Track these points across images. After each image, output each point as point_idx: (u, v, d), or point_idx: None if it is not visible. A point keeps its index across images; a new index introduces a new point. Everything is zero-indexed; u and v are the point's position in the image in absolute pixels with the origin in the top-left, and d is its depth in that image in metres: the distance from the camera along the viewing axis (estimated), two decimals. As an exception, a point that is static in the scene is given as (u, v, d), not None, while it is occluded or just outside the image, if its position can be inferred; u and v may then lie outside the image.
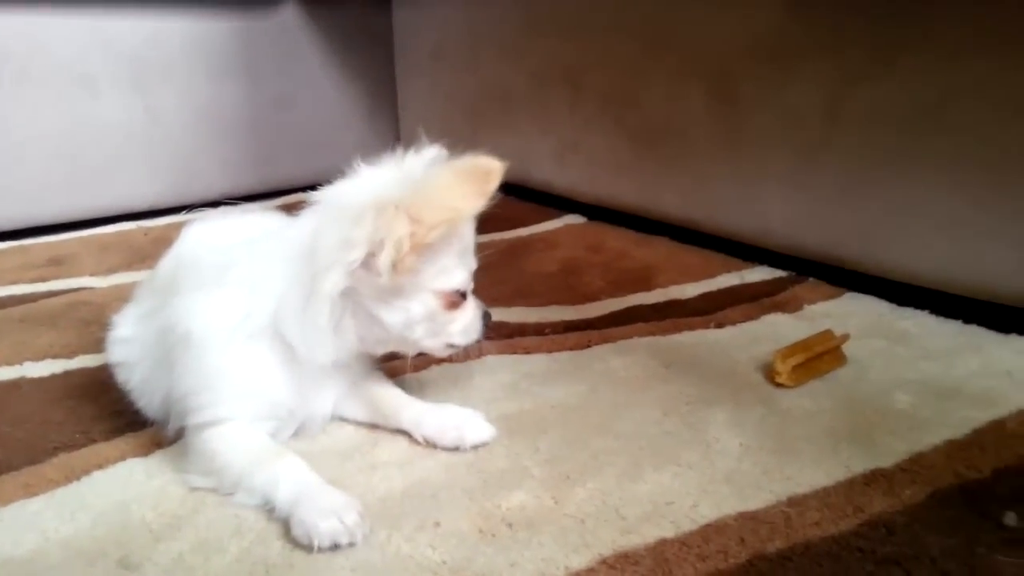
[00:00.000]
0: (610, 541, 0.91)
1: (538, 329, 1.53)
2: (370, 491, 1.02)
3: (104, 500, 1.03)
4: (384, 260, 0.98)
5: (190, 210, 2.45)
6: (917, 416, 1.15)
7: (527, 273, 1.86)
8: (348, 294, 1.03)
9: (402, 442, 1.13)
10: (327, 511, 0.94)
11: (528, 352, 1.42)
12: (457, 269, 1.08)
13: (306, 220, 1.07)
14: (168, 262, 1.22)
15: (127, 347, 1.18)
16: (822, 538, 0.90)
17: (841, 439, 1.10)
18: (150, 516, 0.99)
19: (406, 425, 1.15)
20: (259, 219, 1.30)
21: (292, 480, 0.99)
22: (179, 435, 1.11)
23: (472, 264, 1.11)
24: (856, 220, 1.63)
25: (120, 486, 1.06)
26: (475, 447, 1.11)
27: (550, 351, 1.43)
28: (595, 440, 1.12)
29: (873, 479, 1.01)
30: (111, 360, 1.21)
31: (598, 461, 1.07)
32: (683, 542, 0.90)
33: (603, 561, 0.87)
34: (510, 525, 0.95)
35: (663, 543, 0.90)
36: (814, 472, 1.03)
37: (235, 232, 1.21)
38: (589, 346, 1.44)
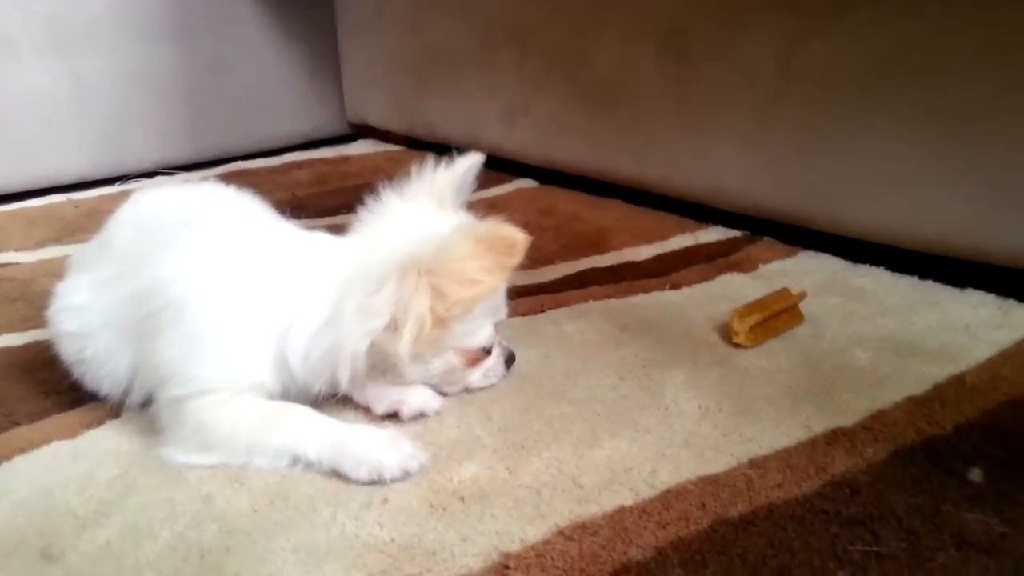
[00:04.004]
0: (567, 511, 0.87)
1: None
2: (312, 467, 0.97)
3: (26, 486, 0.95)
4: (406, 336, 0.97)
5: (123, 181, 2.34)
6: (877, 373, 1.13)
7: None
8: (368, 349, 0.99)
9: (347, 413, 1.08)
10: (381, 445, 0.95)
11: (479, 319, 1.37)
12: (483, 328, 1.07)
13: (340, 256, 1.04)
14: (123, 229, 1.16)
15: (82, 316, 1.09)
16: (785, 500, 0.87)
17: (801, 398, 1.07)
18: (75, 502, 0.92)
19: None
20: (210, 189, 1.32)
21: (317, 429, 0.97)
22: (143, 408, 1.05)
23: (501, 315, 1.11)
24: (811, 177, 1.60)
25: (43, 471, 0.99)
26: (417, 417, 1.06)
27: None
28: (549, 407, 1.08)
29: (835, 438, 0.98)
30: (59, 330, 1.12)
31: (553, 429, 1.03)
32: (643, 509, 0.86)
33: (560, 532, 0.83)
34: (462, 499, 0.90)
35: (622, 511, 0.86)
36: (774, 433, 1.00)
37: (184, 200, 1.20)
38: (542, 311, 1.40)
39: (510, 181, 2.18)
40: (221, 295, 1.01)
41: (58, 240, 1.87)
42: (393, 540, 0.84)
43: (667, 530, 0.83)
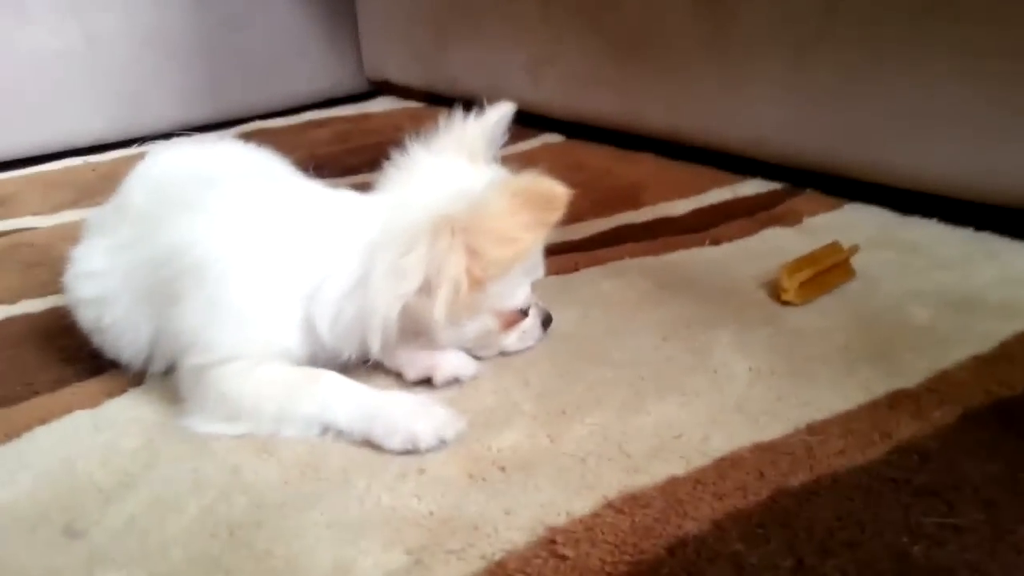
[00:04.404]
0: (615, 481, 0.81)
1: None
2: (343, 435, 0.92)
3: (47, 459, 0.92)
4: (440, 299, 0.91)
5: (141, 143, 2.28)
6: (937, 330, 1.06)
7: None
8: (400, 313, 0.94)
9: (378, 379, 1.02)
10: (415, 412, 0.89)
11: (510, 279, 1.31)
12: (520, 289, 1.02)
13: (368, 215, 0.98)
14: (138, 190, 1.10)
15: (98, 281, 1.04)
16: (849, 468, 0.81)
17: (857, 358, 1.01)
18: (98, 474, 0.88)
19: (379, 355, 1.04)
20: (228, 148, 1.27)
21: (347, 396, 0.92)
22: (165, 376, 1.01)
23: (539, 274, 1.05)
24: (855, 124, 1.51)
25: (65, 442, 0.95)
26: (451, 383, 1.00)
27: (535, 276, 1.32)
28: (590, 371, 1.02)
29: (897, 401, 0.92)
30: (76, 297, 1.07)
31: (595, 393, 0.97)
32: (696, 479, 0.81)
33: (609, 504, 0.78)
34: (503, 468, 0.85)
35: (674, 481, 0.81)
36: (832, 396, 0.94)
37: (201, 159, 1.15)
38: (576, 269, 1.33)
39: (536, 136, 2.10)
40: (244, 258, 0.96)
41: (76, 204, 1.82)
42: (432, 513, 0.79)
43: (724, 502, 0.78)
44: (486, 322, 1.01)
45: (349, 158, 2.03)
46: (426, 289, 0.92)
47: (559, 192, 0.90)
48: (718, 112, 1.74)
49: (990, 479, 0.78)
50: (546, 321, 1.09)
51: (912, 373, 0.97)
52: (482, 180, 0.97)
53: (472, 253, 0.90)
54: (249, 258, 0.96)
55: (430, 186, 0.99)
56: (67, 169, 2.16)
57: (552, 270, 1.32)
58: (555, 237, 1.46)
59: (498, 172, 1.03)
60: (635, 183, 1.72)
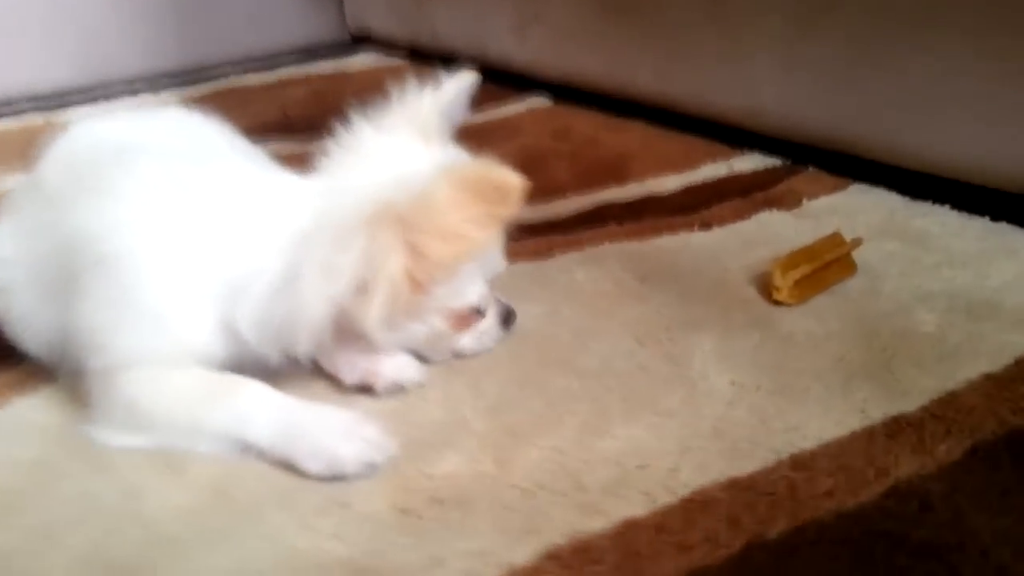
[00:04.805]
0: (565, 525, 0.70)
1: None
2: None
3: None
4: (374, 306, 0.79)
5: (105, 98, 2.15)
6: (946, 341, 0.94)
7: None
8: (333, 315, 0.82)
9: (316, 385, 0.91)
10: (340, 431, 0.79)
11: (476, 263, 1.19)
12: (474, 284, 0.90)
13: (300, 202, 0.86)
14: (53, 168, 0.97)
15: (4, 269, 0.94)
16: (838, 515, 0.70)
17: (855, 373, 0.89)
18: (-19, 496, 0.77)
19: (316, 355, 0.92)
20: (157, 117, 1.13)
21: (267, 408, 0.81)
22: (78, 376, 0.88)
23: (498, 269, 0.93)
24: (863, 97, 1.38)
25: (-47, 451, 0.84)
26: (394, 391, 0.89)
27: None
28: (553, 380, 0.91)
29: (898, 429, 0.80)
30: None
31: (555, 410, 0.86)
32: (659, 525, 0.70)
33: (553, 556, 0.67)
34: (440, 502, 0.74)
35: (633, 527, 0.69)
36: (823, 420, 0.82)
37: (132, 132, 1.00)
38: (551, 255, 1.21)
39: (522, 100, 1.96)
40: (157, 250, 0.84)
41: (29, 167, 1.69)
42: (351, 558, 0.68)
43: (689, 556, 0.66)
44: (434, 324, 0.89)
45: (322, 119, 1.89)
46: (362, 289, 0.80)
47: (513, 183, 0.77)
48: (713, 78, 1.60)
49: (1001, 538, 0.66)
50: (507, 318, 0.97)
51: (915, 393, 0.85)
52: (432, 164, 0.84)
53: (414, 251, 0.78)
54: (163, 250, 0.84)
55: (372, 170, 0.86)
56: (25, 128, 2.02)
57: (525, 254, 1.21)
58: (531, 215, 1.37)
59: (453, 153, 0.91)
60: (623, 154, 1.59)
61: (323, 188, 0.86)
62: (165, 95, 2.17)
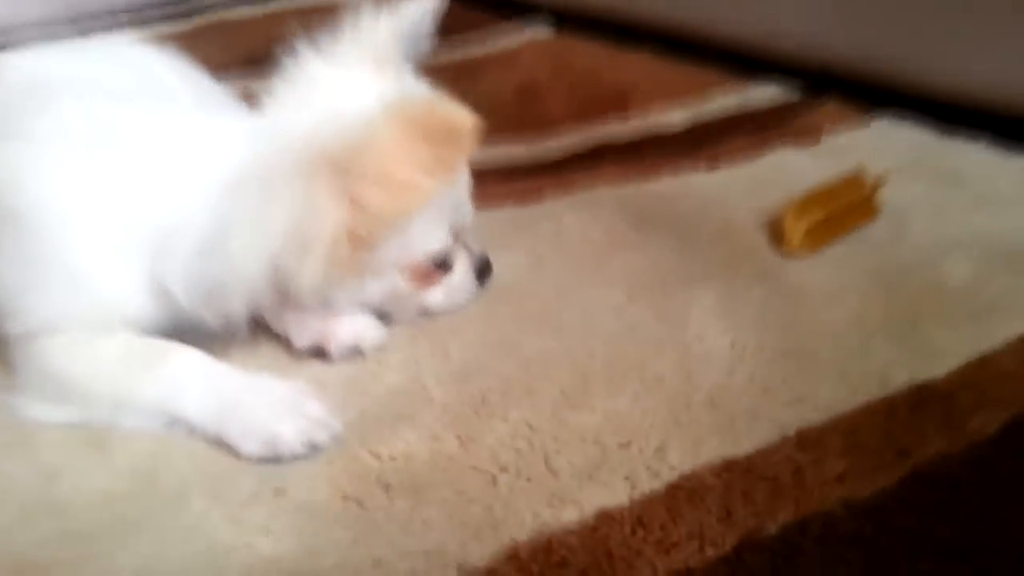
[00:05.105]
0: (530, 517, 0.61)
1: (478, 175, 1.17)
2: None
3: None
4: (310, 266, 0.68)
5: (87, 32, 2.03)
6: (980, 296, 0.82)
7: (473, 97, 1.47)
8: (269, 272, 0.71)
9: (263, 348, 0.82)
10: (280, 407, 0.69)
11: (458, 209, 1.08)
12: (435, 234, 0.79)
13: (234, 145, 0.74)
14: None
15: None
16: (849, 507, 0.60)
17: (874, 332, 0.78)
18: None
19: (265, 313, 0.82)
20: (97, 51, 1.00)
21: (200, 379, 0.71)
22: None
23: (463, 218, 0.83)
24: (891, 18, 1.24)
25: None
26: (350, 354, 0.79)
27: (488, 205, 1.08)
28: (529, 341, 0.81)
29: (923, 400, 0.69)
30: None
31: (529, 374, 0.76)
32: (639, 518, 0.60)
33: (513, 557, 0.57)
34: (387, 487, 0.64)
35: (608, 521, 0.60)
36: (836, 387, 0.71)
37: (63, 68, 0.88)
38: (541, 199, 1.10)
39: (522, 29, 1.81)
40: (75, 201, 0.74)
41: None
42: (277, 558, 0.59)
43: (671, 557, 0.57)
44: (392, 281, 0.78)
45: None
46: (299, 246, 0.69)
47: (464, 121, 0.67)
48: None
49: (1045, 537, 0.56)
50: (482, 272, 0.86)
51: (944, 357, 0.74)
52: (378, 101, 0.73)
53: (352, 204, 0.67)
54: (81, 201, 0.74)
55: (313, 108, 0.75)
56: None
57: (512, 197, 1.10)
58: (522, 153, 1.25)
59: (411, 88, 0.79)
60: (626, 84, 1.45)
61: (259, 129, 0.75)
62: (151, 29, 2.05)
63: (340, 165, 0.66)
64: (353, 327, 0.80)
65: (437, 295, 0.83)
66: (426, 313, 0.84)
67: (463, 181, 0.81)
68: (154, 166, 0.74)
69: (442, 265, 0.81)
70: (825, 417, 0.68)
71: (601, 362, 0.77)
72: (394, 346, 0.81)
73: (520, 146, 1.27)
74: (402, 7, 0.82)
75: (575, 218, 1.03)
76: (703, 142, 1.22)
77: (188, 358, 0.72)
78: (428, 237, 0.78)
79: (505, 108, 1.42)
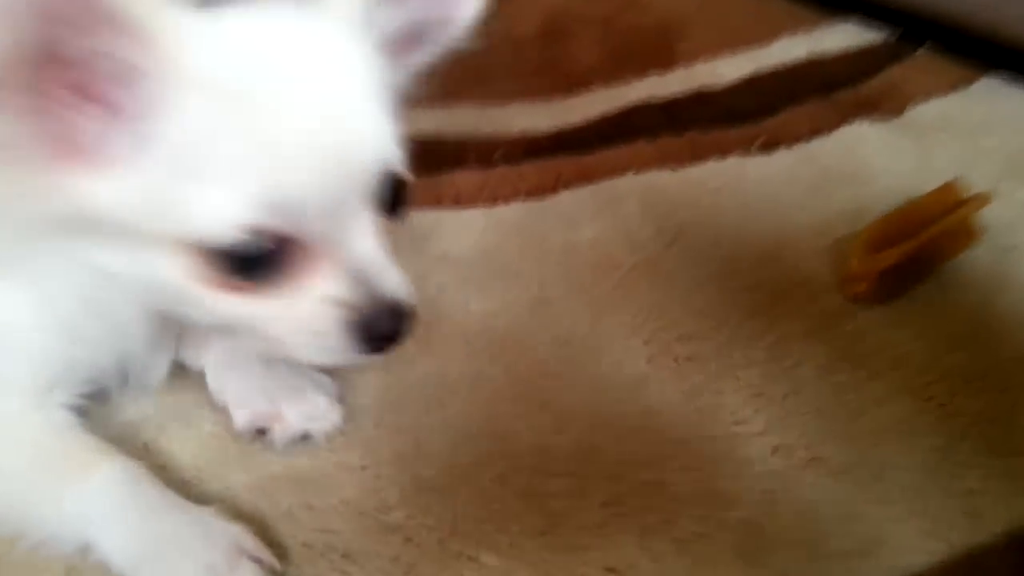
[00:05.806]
0: None
1: (486, 149, 0.99)
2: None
3: None
4: None
5: None
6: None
7: (491, 37, 1.26)
8: None
9: (204, 422, 0.67)
10: (218, 557, 0.54)
11: (459, 205, 0.91)
12: (220, 188, 0.49)
13: None
14: None
15: None
16: None
17: (962, 435, 0.60)
18: None
19: (208, 376, 0.68)
20: None
21: (127, 508, 0.57)
22: None
23: (333, 189, 0.52)
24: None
25: None
26: (299, 442, 0.64)
27: (492, 202, 0.91)
28: (522, 431, 0.65)
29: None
30: None
31: (512, 489, 0.60)
32: None
33: None
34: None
35: None
36: (903, 534, 0.55)
37: None
38: (555, 189, 0.92)
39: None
40: None
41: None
42: None
43: None
44: (165, 263, 0.52)
45: None
46: None
47: None
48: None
49: None
50: (380, 319, 0.54)
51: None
52: None
53: None
54: None
55: None
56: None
57: (522, 189, 0.93)
58: (541, 117, 1.05)
59: None
60: (672, 22, 1.22)
61: None
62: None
63: None
64: (305, 408, 0.65)
65: (278, 325, 0.55)
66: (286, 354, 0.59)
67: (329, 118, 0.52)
68: None
69: (250, 269, 0.52)
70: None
71: (605, 478, 0.61)
72: (356, 430, 0.66)
73: (542, 109, 1.07)
74: None
75: (593, 229, 0.85)
76: (759, 109, 1.01)
77: (115, 475, 0.58)
78: (202, 189, 0.49)
79: (527, 50, 1.21)
